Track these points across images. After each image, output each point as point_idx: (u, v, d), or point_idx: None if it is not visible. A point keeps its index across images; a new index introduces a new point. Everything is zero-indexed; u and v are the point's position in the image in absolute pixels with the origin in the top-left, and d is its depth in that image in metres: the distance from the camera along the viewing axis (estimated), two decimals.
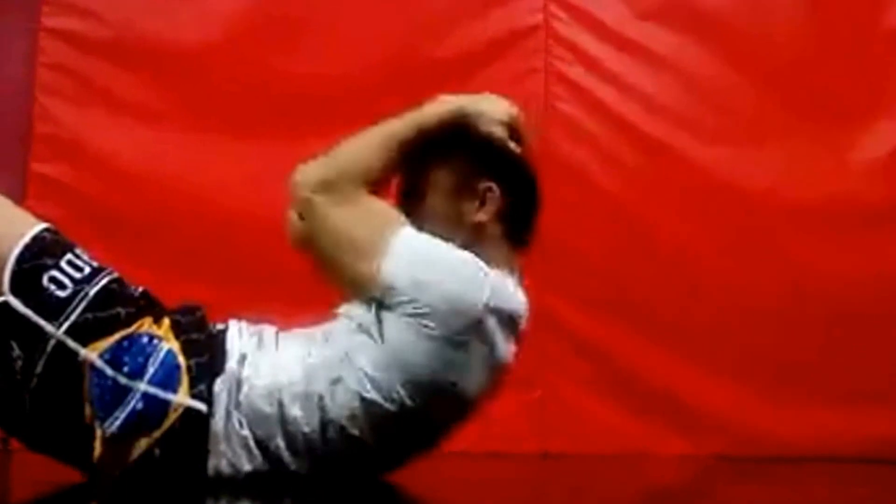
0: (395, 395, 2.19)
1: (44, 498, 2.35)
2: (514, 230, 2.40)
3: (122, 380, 2.14)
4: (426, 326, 2.17)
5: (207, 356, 2.23)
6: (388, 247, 2.21)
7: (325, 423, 2.20)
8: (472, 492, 2.72)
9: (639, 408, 3.90)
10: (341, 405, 2.20)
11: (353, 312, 2.28)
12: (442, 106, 2.39)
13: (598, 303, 3.93)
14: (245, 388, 2.21)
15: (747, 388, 3.88)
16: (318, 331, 2.34)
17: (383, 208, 2.31)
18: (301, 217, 2.33)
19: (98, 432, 2.14)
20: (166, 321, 2.26)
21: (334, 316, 2.36)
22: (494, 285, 2.23)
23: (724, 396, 3.89)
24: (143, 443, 2.15)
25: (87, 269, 2.22)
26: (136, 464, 2.16)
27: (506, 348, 2.28)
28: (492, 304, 2.21)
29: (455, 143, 2.38)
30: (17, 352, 2.13)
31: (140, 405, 2.14)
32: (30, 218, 2.28)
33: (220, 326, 2.33)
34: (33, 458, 2.34)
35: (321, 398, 2.20)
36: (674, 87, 4.09)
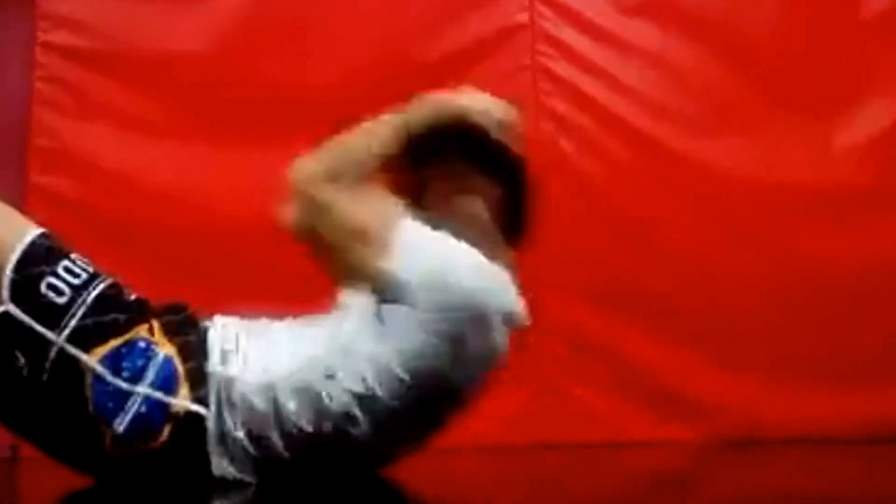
0: (393, 388, 2.20)
1: None
2: (509, 224, 2.44)
3: (123, 384, 2.16)
4: (429, 320, 2.19)
5: (200, 358, 2.24)
6: (393, 238, 2.24)
7: (320, 417, 2.20)
8: (469, 486, 2.71)
9: (633, 396, 3.93)
10: (338, 398, 2.20)
11: (354, 303, 2.31)
12: (435, 104, 2.40)
13: (589, 294, 3.97)
14: (237, 386, 2.21)
15: (739, 373, 3.91)
16: (314, 321, 2.36)
17: (385, 198, 2.33)
18: (301, 209, 2.32)
19: (106, 434, 2.16)
20: (158, 325, 2.27)
21: (333, 306, 2.39)
22: (497, 281, 2.27)
23: (719, 381, 3.92)
24: (150, 443, 2.17)
25: (84, 275, 2.23)
26: (144, 463, 2.18)
27: (503, 343, 2.30)
28: (494, 300, 2.24)
29: (450, 141, 2.40)
30: (21, 360, 2.15)
31: (143, 409, 2.16)
32: (24, 222, 2.28)
33: (206, 324, 2.33)
34: (42, 465, 2.35)
35: (318, 391, 2.21)
36: (659, 80, 4.14)
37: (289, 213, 2.36)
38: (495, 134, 2.42)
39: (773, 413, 3.87)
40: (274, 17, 4.16)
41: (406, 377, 2.21)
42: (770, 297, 3.95)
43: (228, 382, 2.22)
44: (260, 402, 2.21)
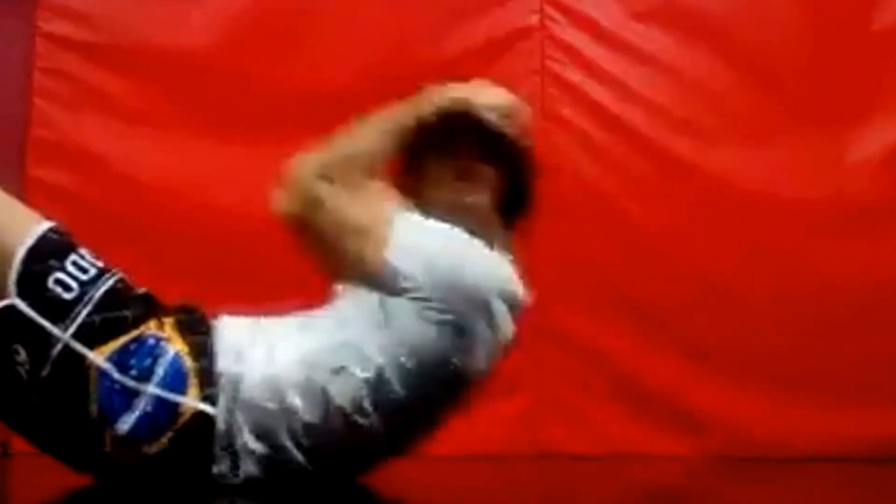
0: (401, 378, 2.22)
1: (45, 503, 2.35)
2: (510, 213, 2.46)
3: (130, 382, 2.14)
4: (433, 310, 2.22)
5: (210, 357, 2.22)
6: (393, 231, 2.26)
7: (328, 411, 2.21)
8: (468, 495, 2.73)
9: (634, 409, 3.91)
10: (345, 393, 2.21)
11: (356, 296, 2.31)
12: (442, 94, 2.43)
13: (593, 304, 3.94)
14: (244, 385, 2.20)
15: (745, 389, 3.88)
16: (316, 316, 2.36)
17: (382, 193, 2.36)
18: (295, 201, 2.34)
19: (108, 434, 2.14)
20: (170, 322, 2.26)
21: (333, 298, 2.40)
22: (499, 268, 2.31)
23: (721, 397, 3.89)
24: (153, 445, 2.15)
25: (93, 271, 2.22)
26: (145, 465, 2.16)
27: (508, 330, 2.32)
28: (497, 287, 2.28)
29: (454, 130, 2.42)
30: (23, 355, 2.12)
31: (150, 408, 2.14)
32: (34, 216, 2.27)
33: (215, 323, 2.32)
34: (33, 462, 2.35)
35: (324, 387, 2.21)
36: (669, 87, 4.11)
37: (282, 203, 2.37)
38: (497, 122, 2.45)
39: (772, 431, 3.84)
40: (277, 13, 4.15)
41: (413, 367, 2.22)
42: (778, 312, 3.93)
43: (237, 381, 2.20)
44: (267, 400, 2.20)
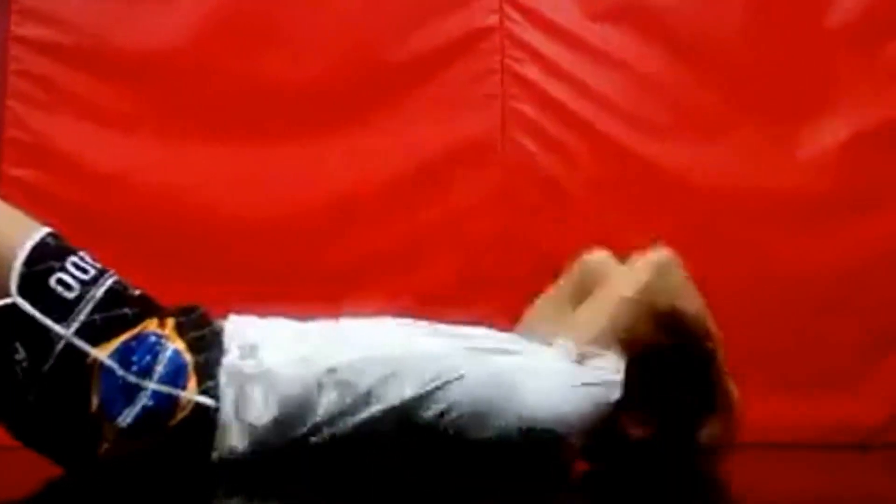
0: (439, 423, 2.26)
1: (29, 497, 2.32)
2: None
3: (132, 378, 2.17)
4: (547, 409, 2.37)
5: (212, 353, 2.26)
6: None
7: (354, 414, 2.24)
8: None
9: None
10: (385, 398, 2.25)
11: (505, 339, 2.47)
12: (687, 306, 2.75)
13: None
14: (268, 378, 2.23)
15: None
16: (377, 323, 2.45)
17: None
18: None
19: (107, 429, 2.17)
20: (170, 321, 2.29)
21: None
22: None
23: None
24: (154, 437, 2.19)
25: (92, 271, 2.25)
26: (145, 457, 2.20)
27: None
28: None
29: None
30: (21, 353, 2.15)
31: (151, 402, 2.17)
32: (32, 222, 2.30)
33: (221, 322, 2.36)
34: (16, 457, 2.37)
35: (368, 390, 2.25)
36: (627, 85, 4.15)
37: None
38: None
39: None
40: (246, 14, 4.17)
41: (462, 424, 2.27)
42: (738, 303, 3.84)
43: (259, 376, 2.24)
44: (295, 388, 2.24)
